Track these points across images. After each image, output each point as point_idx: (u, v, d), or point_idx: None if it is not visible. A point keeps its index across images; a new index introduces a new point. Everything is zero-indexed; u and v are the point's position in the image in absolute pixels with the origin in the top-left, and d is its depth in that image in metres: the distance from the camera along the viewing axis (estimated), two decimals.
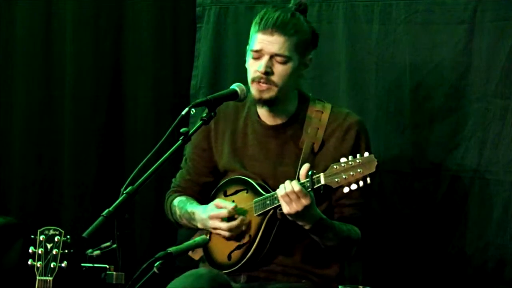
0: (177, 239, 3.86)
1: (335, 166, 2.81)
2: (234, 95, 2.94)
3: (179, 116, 2.68)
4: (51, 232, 2.83)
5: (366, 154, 2.79)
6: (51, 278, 2.79)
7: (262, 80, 3.02)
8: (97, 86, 4.17)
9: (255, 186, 3.07)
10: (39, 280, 2.79)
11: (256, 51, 3.03)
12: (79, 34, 4.16)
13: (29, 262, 2.81)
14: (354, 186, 2.78)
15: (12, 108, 4.23)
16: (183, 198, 3.24)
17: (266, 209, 2.99)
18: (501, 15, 3.42)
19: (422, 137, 3.59)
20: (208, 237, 3.01)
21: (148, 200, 3.99)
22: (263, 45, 3.02)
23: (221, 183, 3.20)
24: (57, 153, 4.21)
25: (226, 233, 3.02)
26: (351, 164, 2.78)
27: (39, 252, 2.81)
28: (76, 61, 4.16)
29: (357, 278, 3.64)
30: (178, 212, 3.21)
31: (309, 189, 2.85)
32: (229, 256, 3.08)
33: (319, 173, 2.85)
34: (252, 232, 3.04)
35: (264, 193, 3.03)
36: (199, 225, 3.13)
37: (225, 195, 3.16)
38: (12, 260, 3.76)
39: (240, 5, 3.95)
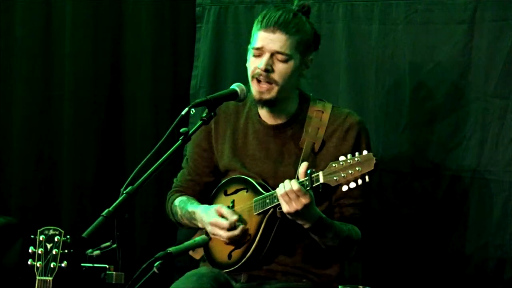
0: (177, 239, 3.86)
1: (334, 165, 2.81)
2: (234, 95, 2.94)
3: (179, 116, 2.68)
4: (51, 232, 2.84)
5: (365, 152, 2.79)
6: (51, 278, 2.79)
7: (261, 78, 3.02)
8: (96, 86, 4.18)
9: (255, 186, 3.07)
10: (39, 280, 2.79)
11: (257, 48, 3.04)
12: (79, 34, 4.16)
13: (29, 262, 2.81)
14: (353, 185, 2.78)
15: (11, 108, 4.23)
16: (184, 198, 3.24)
17: (265, 208, 2.99)
18: (501, 15, 3.42)
19: (422, 137, 3.59)
20: (208, 237, 3.01)
21: (148, 200, 3.99)
22: (265, 42, 3.02)
23: (221, 183, 3.20)
24: (56, 153, 4.21)
25: (225, 240, 3.03)
26: (350, 162, 2.78)
27: (39, 252, 2.81)
28: (75, 61, 4.16)
29: (357, 278, 3.64)
30: (179, 212, 3.22)
31: (308, 188, 2.85)
32: (229, 255, 3.08)
33: (319, 172, 2.85)
34: (252, 231, 3.04)
35: (264, 192, 3.03)
36: (200, 225, 3.14)
37: (226, 195, 3.16)
38: (12, 260, 3.76)
39: (240, 5, 3.95)
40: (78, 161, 4.18)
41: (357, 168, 2.76)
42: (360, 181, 2.77)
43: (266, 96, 3.04)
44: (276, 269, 3.09)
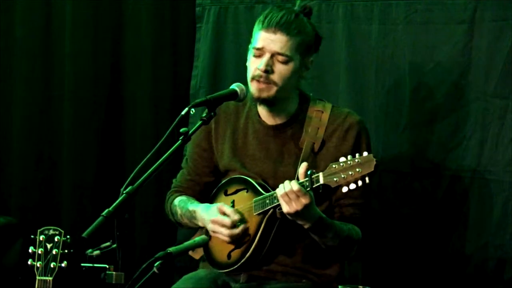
0: (176, 239, 3.86)
1: (334, 166, 2.81)
2: (234, 95, 2.94)
3: (179, 116, 2.68)
4: (51, 232, 2.84)
5: (365, 154, 2.79)
6: (51, 278, 2.79)
7: (261, 79, 3.02)
8: (96, 86, 4.18)
9: (255, 186, 3.07)
10: (39, 280, 2.79)
11: (258, 48, 3.03)
12: (79, 34, 4.16)
13: (29, 262, 2.81)
14: (353, 186, 2.78)
15: (11, 108, 4.23)
16: (183, 197, 3.24)
17: (265, 209, 2.99)
18: (501, 15, 3.42)
19: (422, 137, 3.59)
20: (207, 237, 3.01)
21: (148, 200, 3.99)
22: (265, 43, 3.02)
23: (221, 183, 3.20)
24: (56, 153, 4.21)
25: (226, 239, 3.03)
26: (350, 163, 2.78)
27: (39, 252, 2.81)
28: (75, 61, 4.16)
29: (357, 278, 3.64)
30: (179, 211, 3.21)
31: (308, 189, 2.85)
32: (229, 255, 3.08)
33: (319, 172, 2.85)
34: (251, 231, 3.04)
35: (264, 192, 3.03)
36: (200, 224, 3.14)
37: (226, 195, 3.16)
38: (12, 260, 3.76)
39: (240, 5, 3.95)
40: (78, 161, 4.18)
41: (357, 169, 2.76)
42: (360, 182, 2.77)
43: (264, 95, 3.04)
44: (276, 269, 3.09)
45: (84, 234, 2.40)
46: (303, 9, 3.09)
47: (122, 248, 2.48)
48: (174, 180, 3.32)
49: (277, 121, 3.14)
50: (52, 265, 2.80)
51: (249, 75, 3.06)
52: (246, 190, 3.10)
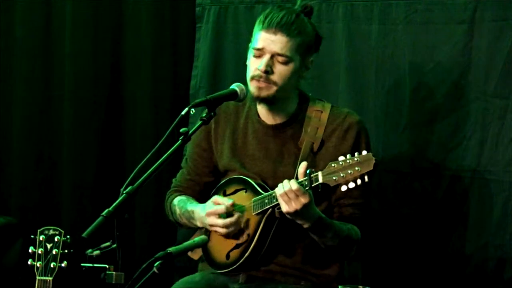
0: (176, 239, 3.86)
1: (333, 165, 2.81)
2: (233, 95, 2.94)
3: (179, 116, 2.68)
4: (51, 232, 2.83)
5: (364, 152, 2.78)
6: (51, 278, 2.79)
7: (261, 79, 3.02)
8: (96, 86, 4.18)
9: (254, 186, 3.07)
10: (39, 280, 2.79)
11: (258, 49, 3.03)
12: (79, 34, 4.16)
13: (29, 262, 2.81)
14: (352, 185, 2.78)
15: (11, 108, 4.23)
16: (183, 197, 3.24)
17: (264, 208, 2.99)
18: (501, 15, 3.42)
19: (422, 137, 3.59)
20: (207, 237, 3.01)
21: (147, 200, 3.99)
22: (266, 43, 3.01)
23: (220, 183, 3.20)
24: (56, 153, 4.21)
25: (223, 230, 3.01)
26: (349, 162, 2.78)
27: (39, 252, 2.81)
28: (75, 61, 4.16)
29: (357, 278, 3.64)
30: (178, 211, 3.21)
31: (307, 188, 2.85)
32: (228, 255, 3.08)
33: (318, 172, 2.85)
34: (250, 231, 3.03)
35: (262, 192, 3.02)
36: (199, 224, 3.13)
37: (224, 195, 3.16)
38: (12, 260, 3.76)
39: (240, 5, 3.95)
40: (78, 161, 4.18)
41: (356, 168, 2.76)
42: (359, 181, 2.77)
43: (264, 94, 3.03)
44: (275, 270, 3.09)
45: (84, 234, 2.40)
46: (304, 9, 3.09)
47: (122, 248, 2.48)
48: (173, 180, 3.32)
49: (277, 120, 3.14)
50: (52, 265, 2.80)
51: (249, 75, 3.05)
52: (245, 190, 3.10)
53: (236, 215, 3.02)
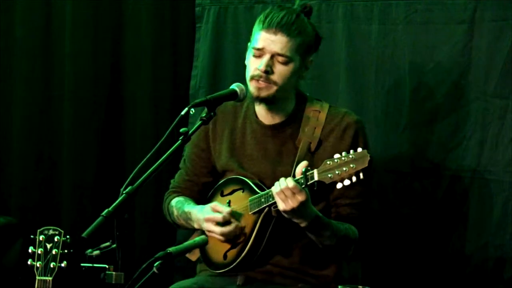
0: (176, 239, 3.86)
1: (328, 162, 2.81)
2: (233, 95, 2.94)
3: (179, 116, 2.68)
4: (51, 232, 2.83)
5: (359, 149, 2.78)
6: (50, 278, 2.79)
7: (261, 79, 3.02)
8: (96, 86, 4.17)
9: (251, 185, 3.07)
10: (38, 280, 2.79)
11: (258, 49, 3.03)
12: (79, 34, 4.16)
13: (29, 262, 2.81)
14: (347, 182, 2.78)
15: (11, 108, 4.23)
16: (181, 198, 3.24)
17: (261, 207, 2.99)
18: (501, 15, 3.42)
19: (422, 137, 3.59)
20: (207, 237, 3.01)
21: (147, 200, 3.99)
22: (266, 43, 3.01)
23: (218, 183, 3.20)
24: (56, 153, 4.21)
25: (220, 237, 3.02)
26: (344, 160, 2.78)
27: (39, 252, 2.81)
28: (75, 61, 4.16)
29: (357, 278, 3.64)
30: (175, 212, 3.22)
31: (303, 186, 2.85)
32: (225, 255, 3.08)
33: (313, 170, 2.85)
34: (247, 230, 3.03)
35: (259, 192, 3.02)
36: (196, 225, 3.13)
37: (222, 195, 3.16)
38: (11, 260, 3.76)
39: (240, 5, 3.94)
40: (78, 161, 4.18)
41: (351, 165, 2.76)
42: (354, 179, 2.76)
43: (264, 93, 3.03)
44: (273, 271, 3.09)
45: (84, 234, 2.40)
46: (303, 9, 3.09)
47: (121, 248, 2.48)
48: (172, 181, 3.32)
49: (275, 120, 3.14)
50: (52, 265, 2.80)
51: (248, 75, 3.05)
52: (242, 190, 3.10)
53: (234, 224, 3.01)
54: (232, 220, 3.02)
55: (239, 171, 3.13)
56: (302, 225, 2.93)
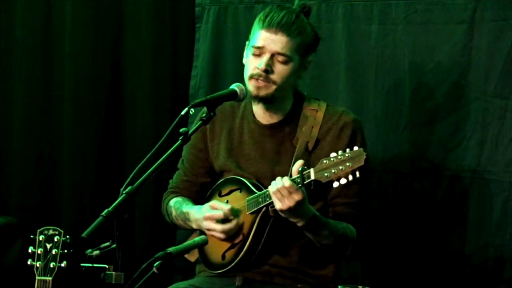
0: (176, 239, 3.86)
1: (325, 161, 2.81)
2: (233, 95, 2.95)
3: (179, 116, 2.68)
4: (51, 232, 2.83)
5: (356, 148, 2.78)
6: (50, 278, 2.79)
7: (260, 78, 3.02)
8: (96, 86, 4.17)
9: (248, 185, 3.07)
10: (38, 280, 2.79)
11: (258, 47, 3.03)
12: (79, 34, 4.16)
13: (29, 262, 2.81)
14: (343, 181, 2.77)
15: (11, 108, 4.23)
16: (179, 199, 3.24)
17: (258, 207, 2.99)
18: (501, 15, 3.42)
19: (422, 137, 3.59)
20: (207, 237, 3.00)
21: (147, 200, 3.98)
22: (266, 42, 3.01)
23: (216, 184, 3.20)
24: (56, 153, 4.21)
25: (220, 235, 3.01)
26: (341, 158, 2.78)
27: (39, 252, 2.81)
28: (75, 61, 4.16)
29: (357, 278, 3.64)
30: (174, 212, 3.22)
31: (300, 185, 2.85)
32: (223, 256, 3.08)
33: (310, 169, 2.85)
34: (245, 230, 3.03)
35: (257, 191, 3.02)
36: (194, 226, 3.13)
37: (220, 196, 3.16)
38: (11, 260, 3.76)
39: (240, 5, 3.94)
40: (78, 161, 4.18)
41: (347, 164, 2.76)
42: (351, 177, 2.76)
43: (263, 93, 3.03)
44: (272, 272, 3.08)
45: (83, 234, 2.40)
46: (302, 9, 3.09)
47: (121, 248, 2.48)
48: (170, 181, 3.32)
49: (272, 120, 3.13)
50: (51, 265, 2.80)
51: (247, 74, 3.05)
52: (239, 190, 3.10)
53: (234, 221, 3.02)
54: (232, 217, 3.02)
55: (237, 171, 3.13)
56: (300, 224, 2.93)
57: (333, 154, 2.80)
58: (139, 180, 2.53)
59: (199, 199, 3.22)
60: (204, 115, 2.79)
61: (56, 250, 2.80)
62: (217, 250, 3.09)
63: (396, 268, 3.59)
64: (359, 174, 2.75)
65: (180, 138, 2.65)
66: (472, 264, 3.48)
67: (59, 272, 2.80)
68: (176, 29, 4.13)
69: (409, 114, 3.60)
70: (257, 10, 3.83)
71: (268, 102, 3.07)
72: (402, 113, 3.62)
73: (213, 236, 3.04)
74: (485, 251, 3.45)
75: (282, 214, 2.90)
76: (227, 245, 3.07)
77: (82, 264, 2.58)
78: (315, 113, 3.11)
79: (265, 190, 2.96)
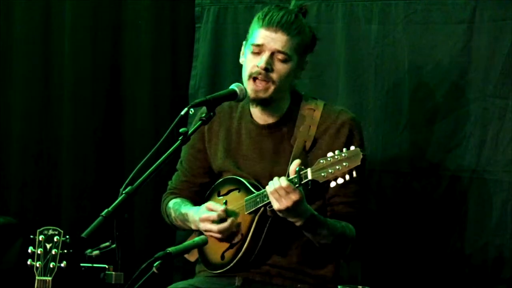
0: (176, 239, 3.86)
1: (321, 161, 2.81)
2: (233, 95, 2.95)
3: (178, 116, 2.68)
4: (50, 232, 2.83)
5: (352, 148, 2.78)
6: (50, 278, 2.79)
7: (260, 76, 3.01)
8: (96, 86, 4.17)
9: (247, 185, 3.07)
10: (38, 280, 2.79)
11: (258, 45, 3.03)
12: (78, 34, 4.16)
13: (28, 262, 2.81)
14: (340, 180, 2.77)
15: (10, 108, 4.23)
16: (178, 200, 3.24)
17: (256, 207, 2.99)
18: (500, 15, 3.42)
19: (421, 137, 3.59)
20: (207, 237, 3.01)
21: (147, 200, 3.98)
22: (266, 40, 3.01)
23: (215, 184, 3.20)
24: (56, 153, 4.21)
25: (218, 235, 3.02)
26: (337, 158, 2.78)
27: (38, 252, 2.81)
28: (74, 61, 4.16)
29: (357, 278, 3.64)
30: (173, 214, 3.22)
31: (297, 185, 2.85)
32: (222, 256, 3.08)
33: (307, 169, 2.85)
34: (243, 230, 3.03)
35: (255, 191, 3.02)
36: (193, 226, 3.13)
37: (218, 196, 3.16)
38: (11, 260, 3.76)
39: (239, 5, 3.94)
40: (77, 161, 4.18)
41: (344, 164, 2.76)
42: (348, 177, 2.76)
43: (262, 95, 3.03)
44: (272, 272, 3.08)
45: (83, 234, 2.40)
46: (300, 9, 3.09)
47: (121, 248, 2.48)
48: (169, 183, 3.32)
49: (269, 120, 3.13)
50: (51, 265, 2.80)
51: (246, 73, 3.04)
52: (238, 190, 3.10)
53: (229, 220, 3.02)
54: (227, 217, 3.02)
55: (235, 171, 3.13)
56: (298, 224, 2.93)
57: (330, 154, 2.80)
58: (139, 180, 2.53)
59: (198, 199, 3.22)
60: (203, 115, 2.79)
61: (56, 250, 2.80)
62: (216, 250, 3.09)
63: (396, 268, 3.59)
64: (356, 173, 2.76)
65: (180, 138, 2.65)
66: (472, 264, 3.48)
67: (59, 272, 2.80)
68: (175, 29, 4.13)
69: (408, 114, 3.60)
70: (257, 10, 3.81)
71: (266, 104, 3.07)
72: (401, 113, 3.62)
73: (211, 236, 3.04)
74: (485, 251, 3.45)
75: (280, 214, 2.90)
76: (226, 245, 3.07)
77: (82, 264, 2.58)
78: (312, 112, 3.11)
79: (263, 190, 2.96)
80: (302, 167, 2.86)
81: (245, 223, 3.03)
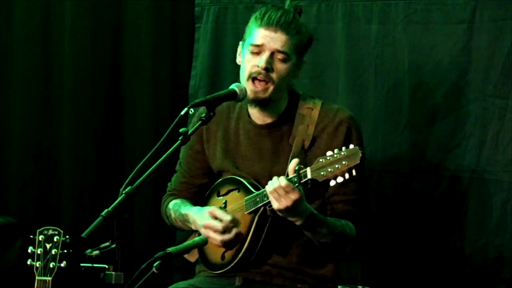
0: (176, 239, 3.86)
1: (321, 160, 2.81)
2: (233, 95, 2.95)
3: (178, 116, 2.68)
4: (50, 232, 2.83)
5: (351, 146, 2.78)
6: (50, 278, 2.79)
7: (260, 76, 3.01)
8: (96, 86, 4.17)
9: (246, 185, 3.07)
10: (38, 280, 2.79)
11: (257, 45, 3.02)
12: (78, 34, 4.16)
13: (28, 262, 2.81)
14: (340, 179, 2.77)
15: (10, 108, 4.23)
16: (177, 201, 3.24)
17: (256, 207, 2.99)
18: (500, 15, 3.42)
19: (421, 137, 3.59)
20: (207, 238, 3.00)
21: (147, 200, 3.98)
22: (266, 40, 3.01)
23: (214, 184, 3.20)
24: (56, 153, 4.21)
25: (220, 244, 3.01)
26: (336, 157, 2.78)
27: (38, 252, 2.81)
28: (74, 61, 4.16)
29: (357, 278, 3.64)
30: (173, 214, 3.22)
31: (297, 184, 2.85)
32: (223, 256, 3.08)
33: (306, 168, 2.85)
34: (244, 230, 3.03)
35: (255, 191, 3.02)
36: (193, 227, 3.13)
37: (218, 196, 3.16)
38: (11, 260, 3.76)
39: (239, 5, 3.94)
40: (77, 161, 4.18)
41: (343, 162, 2.76)
42: (347, 175, 2.76)
43: (261, 96, 3.03)
44: (272, 272, 3.08)
45: (83, 234, 2.40)
46: (295, 9, 3.09)
47: (121, 248, 2.48)
48: (169, 184, 3.32)
49: (268, 120, 3.13)
50: (51, 265, 2.80)
51: (246, 73, 3.04)
52: (237, 190, 3.10)
53: (233, 232, 3.00)
54: (232, 225, 3.00)
55: (234, 171, 3.13)
56: (298, 223, 2.93)
57: (329, 153, 2.80)
58: (139, 180, 2.53)
59: (198, 200, 3.22)
60: (203, 115, 2.79)
61: (56, 250, 2.80)
62: (216, 250, 3.09)
63: (396, 268, 3.59)
64: (356, 172, 2.75)
65: (180, 138, 2.65)
66: (472, 264, 3.48)
67: (58, 272, 2.80)
68: (175, 29, 4.13)
69: (408, 114, 3.60)
70: (257, 10, 3.82)
71: (264, 105, 3.07)
72: (401, 113, 3.61)
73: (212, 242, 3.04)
74: (485, 251, 3.45)
75: (280, 214, 2.90)
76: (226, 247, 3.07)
77: (81, 264, 2.58)
78: (310, 111, 3.11)
79: (262, 190, 2.96)
80: (301, 166, 2.86)
81: (245, 223, 3.03)
